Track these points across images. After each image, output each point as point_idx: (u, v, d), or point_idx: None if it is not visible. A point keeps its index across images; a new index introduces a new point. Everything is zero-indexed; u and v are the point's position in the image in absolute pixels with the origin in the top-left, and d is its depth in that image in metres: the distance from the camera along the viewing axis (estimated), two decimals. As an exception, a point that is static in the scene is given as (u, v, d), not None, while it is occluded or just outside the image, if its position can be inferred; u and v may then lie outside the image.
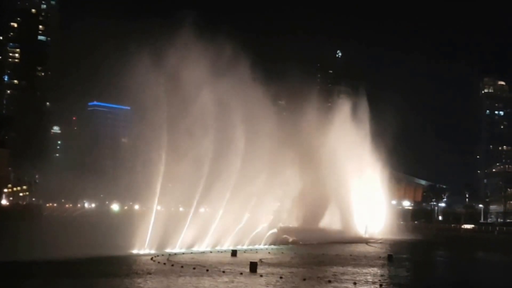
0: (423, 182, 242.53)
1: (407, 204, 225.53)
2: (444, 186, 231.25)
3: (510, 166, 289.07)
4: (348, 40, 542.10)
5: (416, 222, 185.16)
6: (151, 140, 69.70)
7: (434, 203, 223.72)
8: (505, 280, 53.63)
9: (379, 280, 46.30)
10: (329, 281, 44.40)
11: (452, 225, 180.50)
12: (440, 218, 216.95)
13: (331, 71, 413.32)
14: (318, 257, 66.64)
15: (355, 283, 43.76)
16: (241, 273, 47.56)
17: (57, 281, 42.66)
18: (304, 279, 45.36)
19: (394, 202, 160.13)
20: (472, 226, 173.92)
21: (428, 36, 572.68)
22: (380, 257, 69.69)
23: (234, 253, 63.90)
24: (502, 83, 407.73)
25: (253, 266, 49.45)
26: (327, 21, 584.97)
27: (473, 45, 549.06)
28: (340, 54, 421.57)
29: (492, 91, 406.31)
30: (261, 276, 46.65)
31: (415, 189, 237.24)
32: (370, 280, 46.72)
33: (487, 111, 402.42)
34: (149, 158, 70.88)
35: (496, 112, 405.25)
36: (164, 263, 53.49)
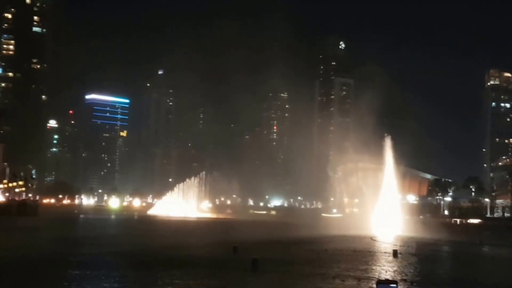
0: (428, 176, 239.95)
1: (412, 198, 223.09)
2: (450, 180, 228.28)
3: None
4: (353, 32, 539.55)
5: (421, 216, 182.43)
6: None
7: (440, 197, 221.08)
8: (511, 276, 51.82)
9: (384, 276, 44.94)
10: (333, 278, 43.44)
11: (458, 220, 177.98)
12: (446, 212, 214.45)
13: (334, 63, 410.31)
14: (321, 253, 65.32)
15: (359, 279, 42.73)
16: (244, 270, 46.52)
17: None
18: (308, 276, 44.32)
19: (399, 196, 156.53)
20: (479, 220, 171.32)
21: (433, 28, 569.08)
22: (385, 252, 68.37)
23: (235, 249, 61.86)
24: (508, 74, 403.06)
25: (255, 263, 48.36)
26: (331, 12, 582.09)
27: (478, 36, 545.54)
28: (343, 45, 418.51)
29: (498, 83, 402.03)
30: (263, 273, 45.63)
31: (420, 183, 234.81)
32: (375, 276, 45.40)
33: (493, 103, 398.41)
34: (150, 152, 68.55)
35: (502, 104, 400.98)
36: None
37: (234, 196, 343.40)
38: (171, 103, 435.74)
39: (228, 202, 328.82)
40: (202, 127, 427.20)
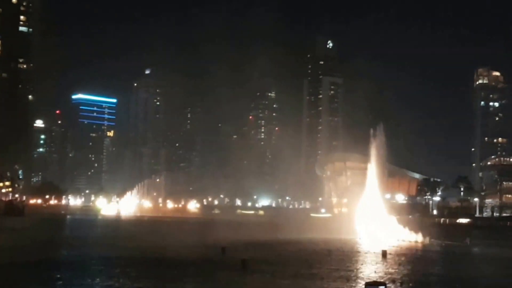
0: (417, 175, 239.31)
1: (401, 198, 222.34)
2: (439, 180, 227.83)
3: (505, 158, 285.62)
4: (340, 31, 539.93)
5: (410, 216, 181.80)
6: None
7: (429, 197, 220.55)
8: (501, 275, 51.67)
9: (373, 277, 44.20)
10: (322, 278, 42.90)
11: (447, 219, 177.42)
12: (435, 212, 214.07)
13: (322, 62, 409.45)
14: (310, 254, 64.63)
15: (348, 280, 42.16)
16: (233, 271, 46.35)
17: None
18: (297, 277, 43.65)
19: (387, 196, 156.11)
20: (468, 220, 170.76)
21: (421, 27, 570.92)
22: (373, 252, 67.66)
23: (223, 250, 61.43)
24: (497, 73, 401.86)
25: (244, 264, 48.16)
26: (320, 11, 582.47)
27: (466, 35, 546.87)
28: (331, 44, 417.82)
29: (487, 81, 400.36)
30: (253, 273, 45.35)
31: (409, 182, 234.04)
32: (364, 276, 44.75)
33: (482, 102, 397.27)
34: (137, 152, 67.79)
35: (491, 103, 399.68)
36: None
37: (221, 196, 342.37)
38: (158, 103, 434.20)
39: (216, 202, 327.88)
40: (189, 127, 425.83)
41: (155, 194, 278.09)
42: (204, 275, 43.98)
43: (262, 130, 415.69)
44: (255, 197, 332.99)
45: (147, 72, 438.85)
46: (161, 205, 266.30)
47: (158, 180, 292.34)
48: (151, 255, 58.22)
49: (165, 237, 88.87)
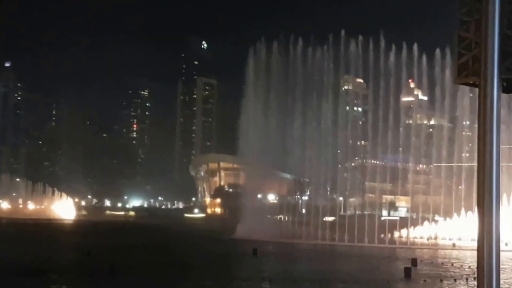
0: (288, 176, 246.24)
1: (272, 198, 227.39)
2: (308, 180, 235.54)
3: (367, 160, 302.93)
4: (214, 31, 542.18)
5: (280, 216, 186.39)
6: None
7: (299, 196, 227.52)
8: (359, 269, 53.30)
9: (244, 275, 44.63)
10: (191, 280, 41.87)
11: (314, 217, 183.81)
12: (303, 211, 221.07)
13: (196, 62, 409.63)
14: (180, 256, 63.67)
15: (217, 280, 41.43)
16: (100, 276, 43.74)
17: None
18: (166, 280, 42.10)
19: (259, 196, 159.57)
20: (333, 218, 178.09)
21: (294, 30, 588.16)
22: (244, 252, 67.63)
23: (89, 253, 59.40)
24: (360, 80, 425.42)
25: (112, 268, 45.22)
26: (193, 11, 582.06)
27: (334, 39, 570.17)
28: (205, 45, 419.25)
29: (351, 88, 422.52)
30: (122, 278, 42.87)
31: (280, 183, 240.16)
32: (234, 276, 44.88)
33: (347, 107, 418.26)
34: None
35: (355, 108, 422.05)
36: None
37: (89, 196, 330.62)
38: (19, 98, 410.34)
39: (83, 203, 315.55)
40: (54, 124, 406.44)
41: (14, 194, 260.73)
42: (67, 281, 41.55)
43: (134, 129, 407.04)
44: (125, 197, 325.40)
45: (7, 65, 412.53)
46: (21, 206, 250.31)
47: (18, 179, 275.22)
48: (7, 262, 53.78)
49: (25, 241, 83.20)
